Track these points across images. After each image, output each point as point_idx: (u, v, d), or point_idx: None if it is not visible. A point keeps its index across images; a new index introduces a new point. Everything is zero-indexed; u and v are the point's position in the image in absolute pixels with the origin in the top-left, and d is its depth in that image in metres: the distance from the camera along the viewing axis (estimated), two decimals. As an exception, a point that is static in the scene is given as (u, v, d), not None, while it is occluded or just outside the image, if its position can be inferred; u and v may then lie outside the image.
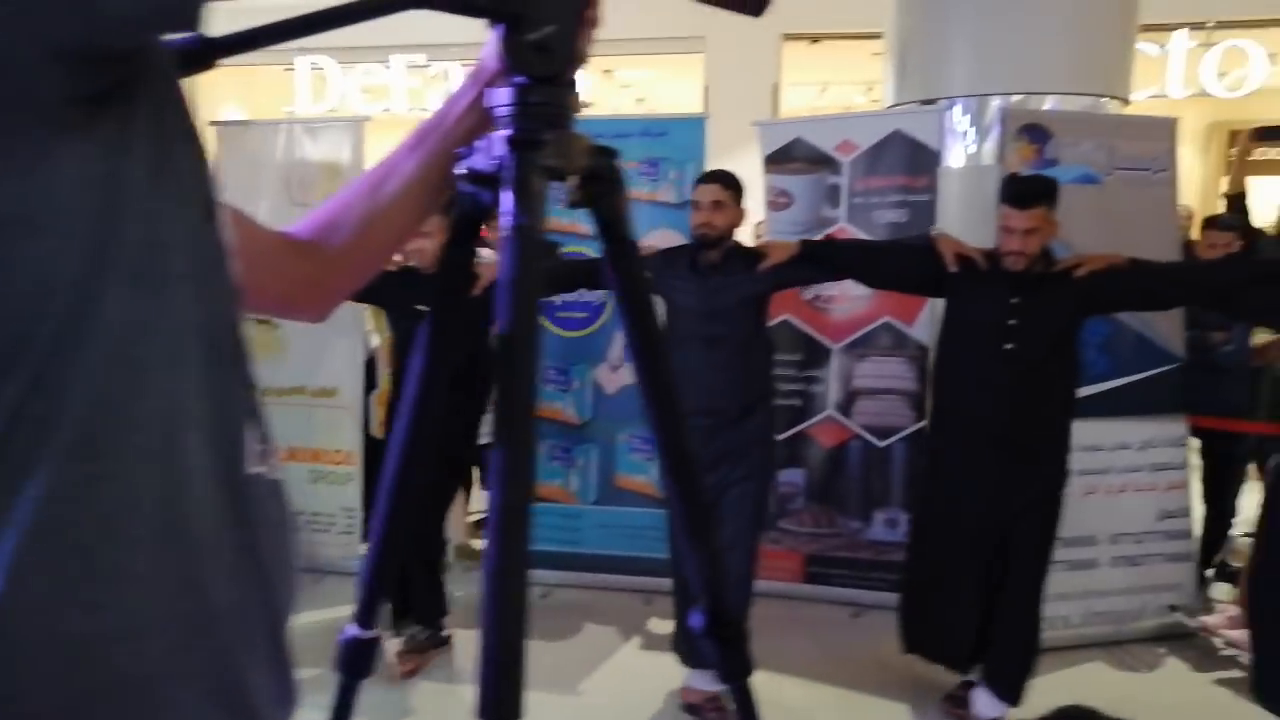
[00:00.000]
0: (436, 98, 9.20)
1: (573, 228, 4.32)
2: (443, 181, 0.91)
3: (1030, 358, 2.96)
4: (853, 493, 4.27)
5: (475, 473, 5.55)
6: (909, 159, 4.10)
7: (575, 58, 0.81)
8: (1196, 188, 10.73)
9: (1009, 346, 2.96)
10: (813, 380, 4.32)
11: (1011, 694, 3.07)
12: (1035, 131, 3.79)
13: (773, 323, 4.33)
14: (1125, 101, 4.32)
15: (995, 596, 3.07)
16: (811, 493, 4.32)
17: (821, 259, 3.26)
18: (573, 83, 0.83)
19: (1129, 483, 3.98)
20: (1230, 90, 7.95)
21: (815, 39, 8.76)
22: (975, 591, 3.08)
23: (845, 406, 4.26)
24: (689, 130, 4.31)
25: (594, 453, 4.40)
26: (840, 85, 11.07)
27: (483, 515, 5.33)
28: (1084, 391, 3.83)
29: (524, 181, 0.78)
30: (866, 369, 4.23)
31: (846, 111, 9.28)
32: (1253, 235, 4.56)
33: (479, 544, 4.86)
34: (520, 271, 0.77)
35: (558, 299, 4.33)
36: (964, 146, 4.20)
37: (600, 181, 0.87)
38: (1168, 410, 4.01)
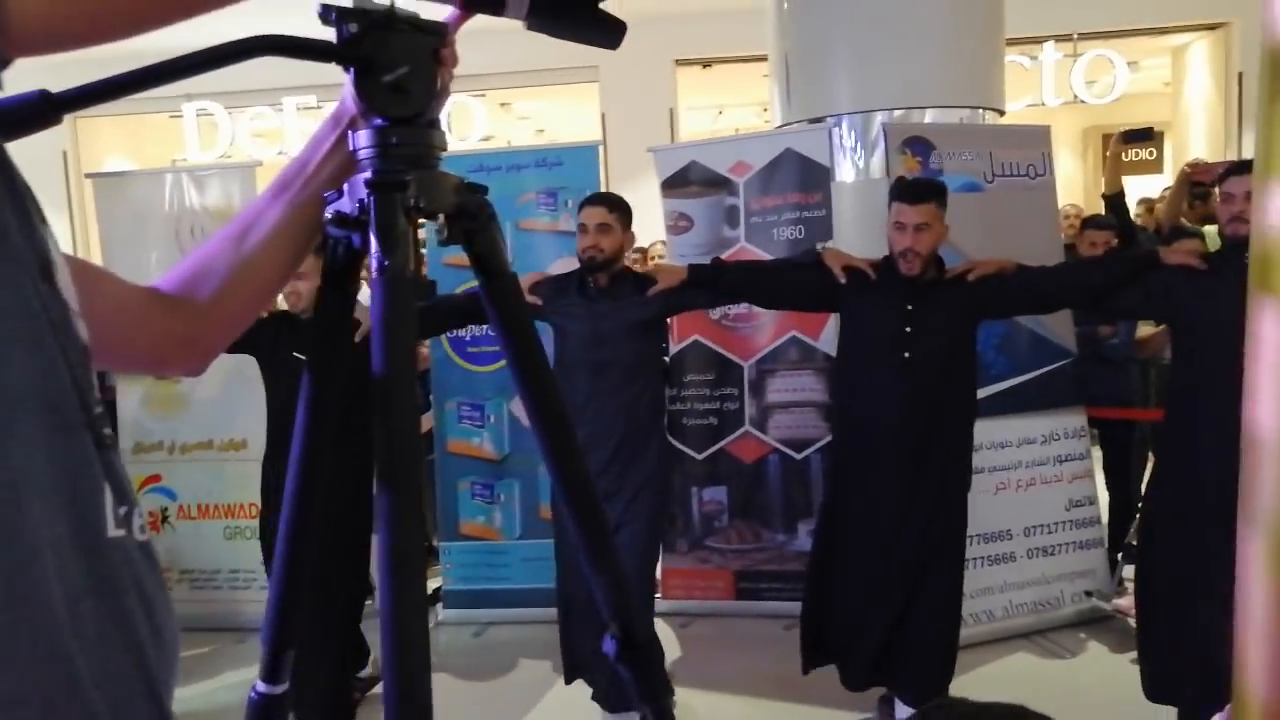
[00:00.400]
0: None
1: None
2: (312, 227, 0.90)
3: (928, 365, 2.99)
4: (775, 506, 4.32)
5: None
6: (801, 176, 4.20)
7: (435, 97, 0.82)
8: (1079, 190, 11.25)
9: (906, 355, 2.98)
10: (727, 398, 4.36)
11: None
12: (918, 144, 3.92)
13: (684, 344, 4.40)
14: (1001, 112, 4.51)
15: (905, 608, 3.06)
16: (735, 509, 4.36)
17: (710, 283, 3.25)
18: (435, 122, 0.84)
19: (1037, 476, 4.12)
20: (1099, 97, 8.38)
21: (707, 64, 8.94)
22: (880, 604, 3.07)
23: (761, 422, 4.32)
24: (584, 158, 4.35)
25: (515, 487, 4.36)
26: (736, 108, 11.31)
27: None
28: (986, 391, 3.97)
29: (387, 223, 0.78)
30: (778, 384, 4.30)
31: (741, 133, 9.45)
32: (1130, 232, 4.79)
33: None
34: (390, 313, 0.77)
35: (465, 334, 4.30)
36: (853, 162, 4.32)
37: (470, 218, 0.87)
38: (1066, 403, 4.17)
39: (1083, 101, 8.43)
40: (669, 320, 4.50)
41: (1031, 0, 7.82)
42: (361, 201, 0.80)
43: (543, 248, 4.32)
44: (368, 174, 0.80)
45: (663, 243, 5.17)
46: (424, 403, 4.53)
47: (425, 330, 3.67)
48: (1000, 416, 3.97)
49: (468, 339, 4.35)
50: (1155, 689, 2.93)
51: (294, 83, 8.85)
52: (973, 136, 4.13)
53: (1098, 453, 4.57)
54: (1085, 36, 8.33)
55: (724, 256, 4.23)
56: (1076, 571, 4.14)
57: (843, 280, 3.10)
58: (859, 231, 4.06)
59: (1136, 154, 9.31)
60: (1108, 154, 5.51)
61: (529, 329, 0.94)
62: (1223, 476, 2.54)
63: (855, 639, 3.14)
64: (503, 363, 4.00)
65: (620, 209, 3.24)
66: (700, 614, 4.32)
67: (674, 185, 4.41)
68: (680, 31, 8.40)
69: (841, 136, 4.32)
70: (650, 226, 5.51)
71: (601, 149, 9.30)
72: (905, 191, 3.01)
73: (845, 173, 4.32)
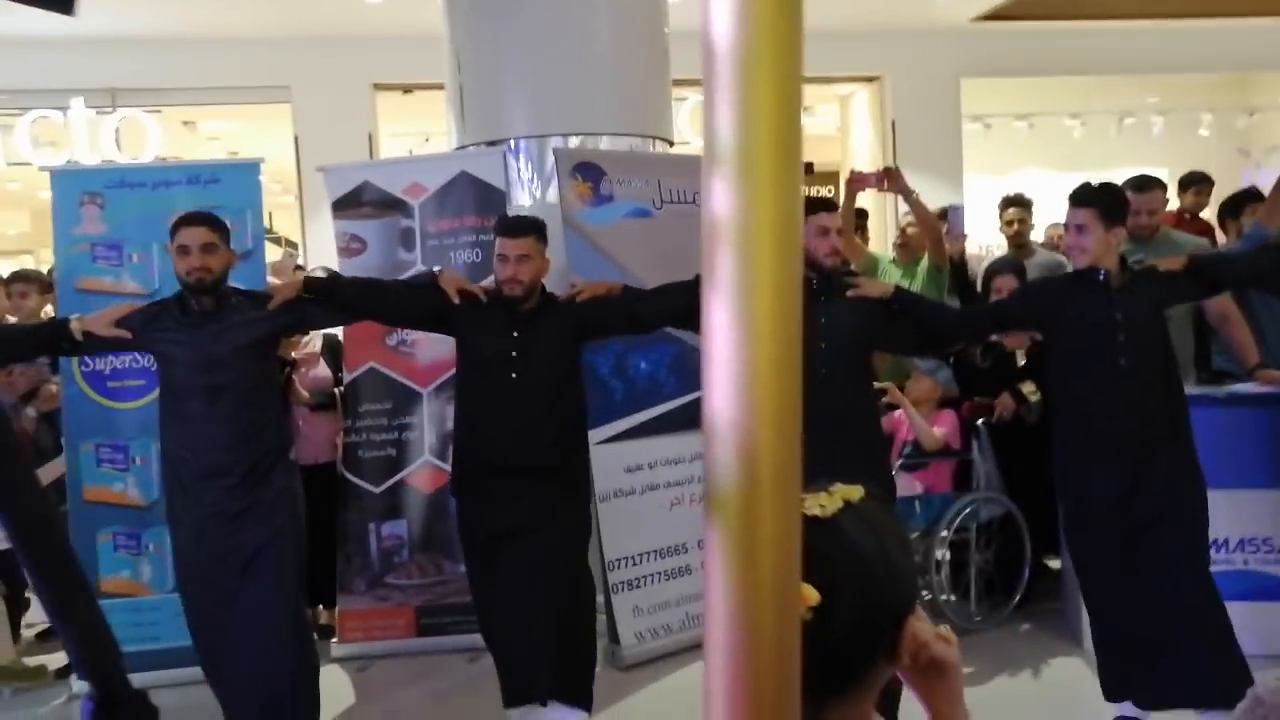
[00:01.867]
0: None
1: (118, 288, 3.89)
2: None
3: (533, 387, 3.12)
4: (457, 536, 4.20)
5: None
6: (478, 200, 4.16)
7: None
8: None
9: (514, 376, 3.11)
10: (405, 427, 4.21)
11: (585, 700, 3.13)
12: (588, 169, 4.00)
13: (358, 371, 4.21)
14: (670, 142, 4.72)
15: (549, 620, 3.07)
16: (416, 543, 4.20)
17: (327, 298, 3.23)
18: None
19: (708, 489, 4.28)
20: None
21: (408, 89, 8.75)
22: (528, 620, 3.07)
23: (441, 450, 4.19)
24: (243, 176, 4.05)
25: (166, 535, 3.91)
26: (443, 135, 11.16)
27: (44, 626, 4.58)
28: (659, 410, 4.11)
29: None
30: (459, 410, 4.20)
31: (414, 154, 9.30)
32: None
33: (34, 661, 4.15)
34: None
35: (104, 367, 3.86)
36: (529, 189, 4.34)
37: None
38: (734, 419, 4.38)
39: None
40: (342, 347, 4.31)
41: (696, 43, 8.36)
42: None
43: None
44: None
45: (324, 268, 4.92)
46: (54, 446, 4.01)
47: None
48: (673, 434, 4.11)
49: (107, 373, 3.90)
50: None
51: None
52: (642, 164, 4.28)
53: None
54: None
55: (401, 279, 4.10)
56: (749, 579, 4.34)
57: (456, 301, 3.20)
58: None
59: (816, 190, 10.12)
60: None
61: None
62: (806, 470, 2.88)
63: (519, 655, 3.11)
64: (148, 398, 3.65)
65: (221, 228, 3.16)
66: (380, 655, 4.11)
67: (346, 206, 4.23)
68: (378, 55, 8.17)
69: (520, 165, 4.33)
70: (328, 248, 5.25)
71: (297, 168, 8.85)
72: (506, 226, 3.22)
73: (522, 197, 4.33)
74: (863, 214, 6.59)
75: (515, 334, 3.14)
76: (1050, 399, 3.41)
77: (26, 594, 4.60)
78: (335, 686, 3.86)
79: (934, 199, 5.59)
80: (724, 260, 0.80)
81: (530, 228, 3.19)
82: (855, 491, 0.99)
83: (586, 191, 3.97)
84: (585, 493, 3.28)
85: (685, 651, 4.07)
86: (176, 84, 8.28)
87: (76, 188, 3.99)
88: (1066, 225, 3.14)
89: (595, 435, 3.83)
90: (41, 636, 4.49)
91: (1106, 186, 3.15)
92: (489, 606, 3.18)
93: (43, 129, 8.17)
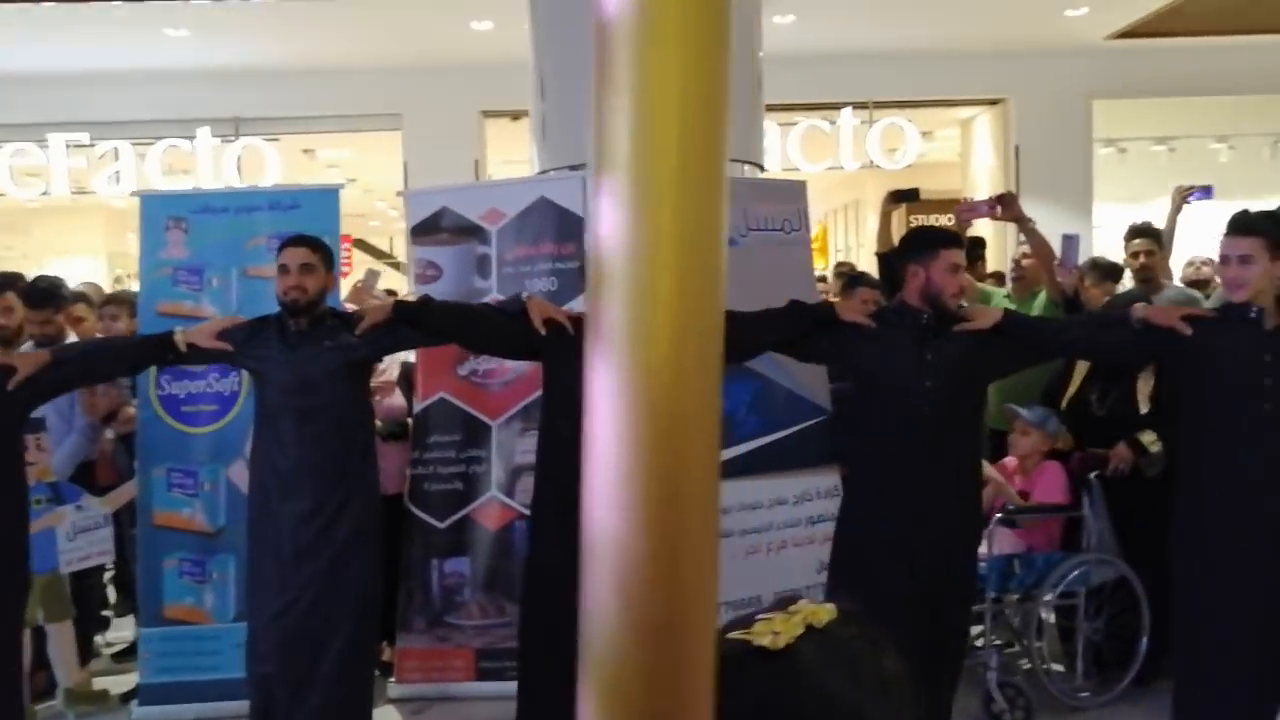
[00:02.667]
0: (101, 179, 8.41)
1: (197, 312, 3.90)
2: None
3: None
4: (521, 577, 4.02)
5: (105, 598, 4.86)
6: (556, 226, 4.00)
7: None
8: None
9: None
10: (474, 460, 4.06)
11: None
12: (664, 195, 3.79)
13: (429, 401, 4.10)
14: (761, 167, 4.47)
15: None
16: (478, 582, 4.03)
17: (417, 322, 3.18)
18: None
19: (789, 538, 3.98)
20: (894, 163, 8.65)
21: (515, 116, 8.77)
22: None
23: (509, 486, 4.03)
24: (322, 202, 4.02)
25: (231, 563, 3.88)
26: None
27: (123, 646, 4.62)
28: (737, 450, 3.83)
29: None
30: (529, 444, 4.01)
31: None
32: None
33: (108, 682, 4.17)
34: None
35: (179, 391, 3.86)
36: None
37: None
38: (819, 462, 4.07)
39: (878, 166, 8.69)
40: (414, 377, 4.21)
41: (829, 66, 8.08)
42: None
43: (272, 296, 3.93)
44: None
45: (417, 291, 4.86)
46: (129, 468, 4.04)
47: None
48: (751, 477, 3.83)
49: (182, 396, 3.90)
50: None
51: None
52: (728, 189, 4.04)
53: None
54: (880, 105, 8.64)
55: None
56: (833, 637, 4.01)
57: (543, 331, 3.06)
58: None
59: (908, 217, 9.61)
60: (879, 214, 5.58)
61: None
62: (900, 516, 2.82)
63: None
64: (223, 422, 3.64)
65: (322, 250, 3.17)
66: (437, 698, 3.95)
67: (424, 232, 4.14)
68: (486, 82, 8.21)
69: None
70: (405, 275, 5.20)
71: (403, 193, 8.96)
72: None
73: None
74: (978, 243, 6.17)
75: None
76: (1178, 449, 3.03)
77: (104, 613, 4.67)
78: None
79: (1060, 229, 5.14)
80: (610, 304, 0.55)
81: None
82: (824, 612, 0.73)
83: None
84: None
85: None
86: (294, 113, 8.53)
87: (163, 212, 4.04)
88: (1225, 256, 2.81)
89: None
90: (119, 657, 4.52)
91: (1273, 214, 2.82)
92: (540, 648, 3.02)
93: (173, 158, 8.54)
